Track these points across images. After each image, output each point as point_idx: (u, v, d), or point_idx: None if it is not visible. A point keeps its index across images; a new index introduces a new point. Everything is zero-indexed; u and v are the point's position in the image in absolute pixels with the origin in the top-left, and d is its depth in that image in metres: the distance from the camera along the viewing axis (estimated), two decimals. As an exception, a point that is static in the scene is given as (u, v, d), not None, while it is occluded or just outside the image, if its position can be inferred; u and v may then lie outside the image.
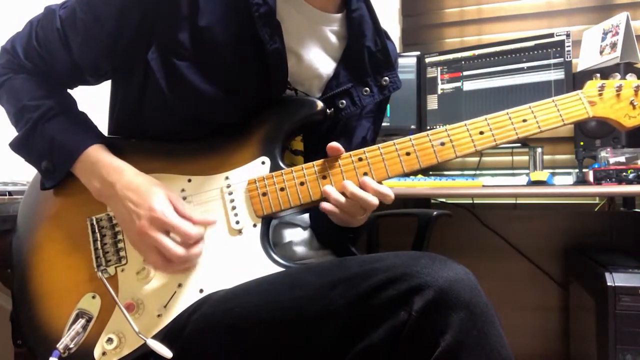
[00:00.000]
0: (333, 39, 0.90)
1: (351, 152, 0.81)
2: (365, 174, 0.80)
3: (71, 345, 0.76)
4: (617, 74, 0.91)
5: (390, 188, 1.49)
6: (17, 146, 0.85)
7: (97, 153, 0.81)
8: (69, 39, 0.83)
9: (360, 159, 0.81)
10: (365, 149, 0.82)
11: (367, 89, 0.91)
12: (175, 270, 0.77)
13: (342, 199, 0.78)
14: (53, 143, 0.82)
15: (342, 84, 0.90)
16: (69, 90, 0.91)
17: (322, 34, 0.89)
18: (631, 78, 0.88)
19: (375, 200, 0.78)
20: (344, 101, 0.90)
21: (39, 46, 0.85)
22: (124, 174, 0.79)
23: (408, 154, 0.81)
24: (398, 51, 2.09)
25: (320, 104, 0.85)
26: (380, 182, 0.80)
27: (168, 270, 0.76)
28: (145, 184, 0.77)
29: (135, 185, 0.77)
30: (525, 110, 0.83)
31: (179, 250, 0.74)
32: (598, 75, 0.88)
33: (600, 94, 0.86)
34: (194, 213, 0.79)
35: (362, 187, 0.78)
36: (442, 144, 0.81)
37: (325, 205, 0.79)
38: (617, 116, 0.86)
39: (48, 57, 0.85)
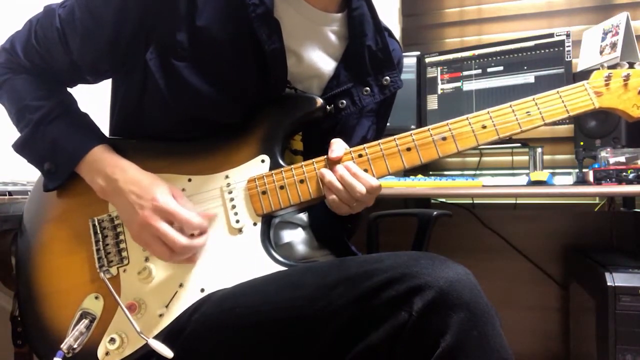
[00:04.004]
0: (334, 39, 0.90)
1: (351, 149, 0.81)
2: (365, 170, 0.80)
3: (75, 346, 0.76)
4: (625, 63, 0.87)
5: (391, 188, 1.50)
6: (20, 147, 0.85)
7: (101, 153, 0.82)
8: (68, 39, 0.83)
9: (360, 155, 0.81)
10: (365, 145, 0.81)
11: (368, 88, 0.91)
12: (179, 261, 0.77)
13: (337, 182, 0.78)
14: (55, 145, 0.82)
15: (343, 84, 0.90)
16: (68, 89, 0.91)
17: (323, 35, 0.89)
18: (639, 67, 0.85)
19: (360, 187, 0.77)
20: (344, 101, 0.90)
21: (38, 45, 0.85)
22: (127, 171, 0.79)
23: (409, 149, 0.81)
24: (398, 51, 2.08)
25: (320, 101, 0.85)
26: (377, 178, 0.80)
27: (173, 261, 0.76)
28: (148, 179, 0.79)
29: (138, 179, 0.78)
30: (529, 103, 0.82)
31: (182, 239, 0.74)
32: (605, 64, 0.85)
33: (607, 84, 0.83)
34: (196, 208, 0.79)
35: (348, 170, 0.78)
36: (444, 138, 0.81)
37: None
38: (624, 106, 0.83)
39: (47, 56, 0.85)
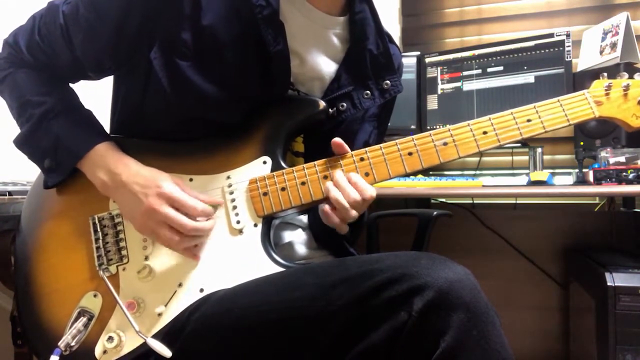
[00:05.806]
0: (336, 41, 0.90)
1: (353, 152, 0.81)
2: (366, 174, 0.80)
3: (72, 344, 0.76)
4: (624, 73, 0.89)
5: (391, 188, 1.50)
6: (21, 143, 0.85)
7: (104, 150, 0.82)
8: (72, 36, 0.83)
9: (362, 159, 0.81)
10: (367, 148, 0.82)
11: (368, 92, 0.91)
12: (187, 246, 0.77)
13: (342, 198, 0.78)
14: (58, 141, 0.82)
15: (343, 87, 0.90)
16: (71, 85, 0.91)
17: (326, 37, 0.89)
18: (639, 78, 0.86)
19: (355, 195, 0.78)
20: (344, 104, 0.90)
21: (42, 41, 0.85)
22: (130, 166, 0.80)
23: (410, 154, 0.81)
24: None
25: (322, 103, 0.85)
26: (375, 182, 0.81)
27: (181, 247, 0.76)
28: (151, 171, 0.79)
29: (141, 173, 0.79)
30: (530, 110, 0.82)
31: (190, 221, 0.75)
32: (605, 74, 0.86)
33: (607, 94, 0.85)
34: (200, 195, 0.79)
35: (349, 180, 0.79)
36: (445, 144, 0.81)
37: (324, 206, 0.79)
38: (624, 116, 0.85)
39: (50, 52, 0.85)
